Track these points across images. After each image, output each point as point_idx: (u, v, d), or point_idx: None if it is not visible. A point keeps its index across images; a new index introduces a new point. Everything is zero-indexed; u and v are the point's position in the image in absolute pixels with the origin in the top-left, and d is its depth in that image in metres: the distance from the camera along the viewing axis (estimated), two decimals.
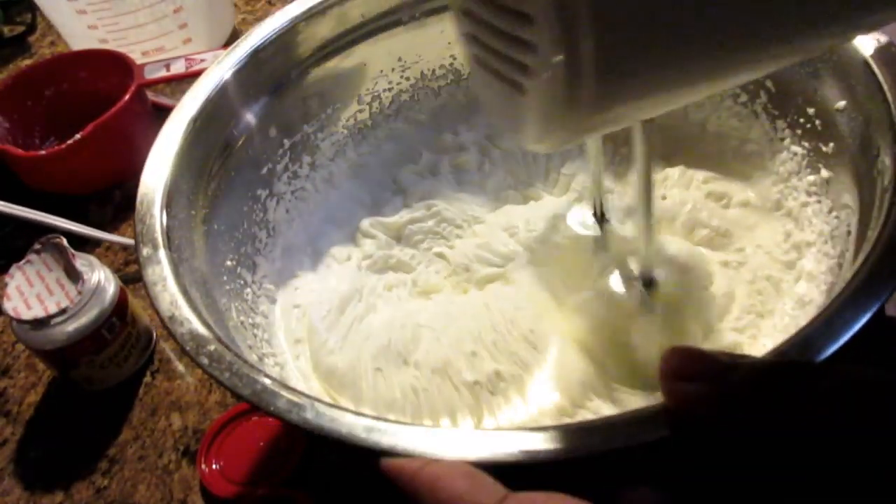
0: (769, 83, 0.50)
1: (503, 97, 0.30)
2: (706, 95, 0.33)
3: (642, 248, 0.42)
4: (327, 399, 0.42)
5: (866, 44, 0.42)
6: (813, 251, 0.46)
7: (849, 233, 0.41)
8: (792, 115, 0.49)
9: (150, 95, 0.74)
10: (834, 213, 0.44)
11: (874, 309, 0.32)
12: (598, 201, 0.48)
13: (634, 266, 0.44)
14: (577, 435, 0.30)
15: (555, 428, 0.31)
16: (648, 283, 0.43)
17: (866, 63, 0.42)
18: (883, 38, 0.42)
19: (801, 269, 0.46)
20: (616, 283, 0.44)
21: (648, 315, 0.43)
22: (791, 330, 0.43)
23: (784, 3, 0.28)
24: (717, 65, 0.29)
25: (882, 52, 0.42)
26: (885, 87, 0.40)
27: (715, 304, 0.45)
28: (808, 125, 0.47)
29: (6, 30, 0.95)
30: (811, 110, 0.47)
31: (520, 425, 0.41)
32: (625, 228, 0.47)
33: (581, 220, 0.49)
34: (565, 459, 0.30)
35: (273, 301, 0.51)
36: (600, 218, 0.48)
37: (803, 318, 0.44)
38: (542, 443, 0.30)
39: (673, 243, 0.48)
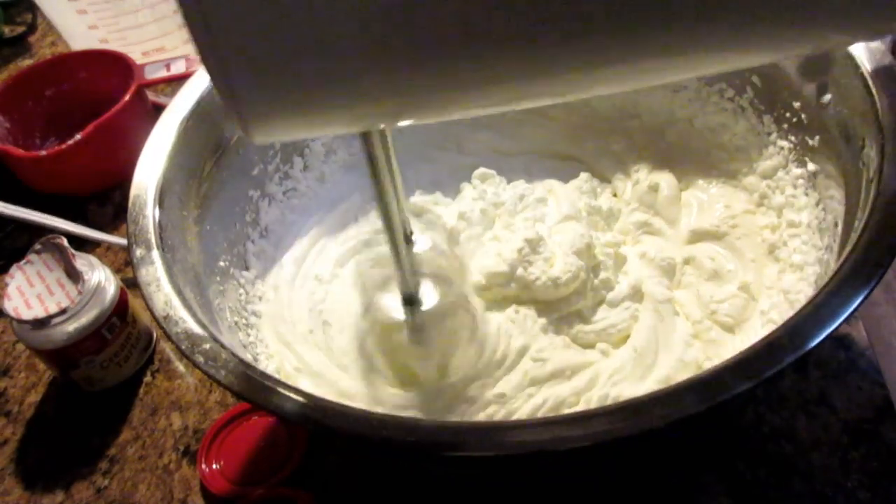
0: (755, 78, 0.50)
1: None
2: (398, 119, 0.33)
3: (396, 267, 0.41)
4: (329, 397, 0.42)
5: None
6: (799, 242, 0.46)
7: (836, 224, 0.41)
8: (778, 110, 0.49)
9: (151, 95, 0.74)
10: (821, 206, 0.45)
11: (862, 298, 0.32)
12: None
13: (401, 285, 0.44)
14: (574, 425, 0.31)
15: (555, 420, 0.32)
16: (409, 301, 0.43)
17: (850, 57, 0.42)
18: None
19: (788, 261, 0.46)
20: (385, 303, 0.46)
21: (418, 340, 0.44)
22: (777, 320, 0.44)
23: None
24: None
25: (865, 47, 0.42)
26: (869, 81, 0.40)
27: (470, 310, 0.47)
28: (794, 119, 0.48)
29: (6, 30, 0.95)
30: (797, 104, 0.47)
31: None
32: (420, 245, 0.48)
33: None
34: (565, 450, 0.30)
35: (266, 301, 0.51)
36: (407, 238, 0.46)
37: (790, 308, 0.44)
38: (547, 434, 0.31)
39: (427, 260, 0.47)
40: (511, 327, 0.47)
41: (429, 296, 0.43)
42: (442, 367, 0.45)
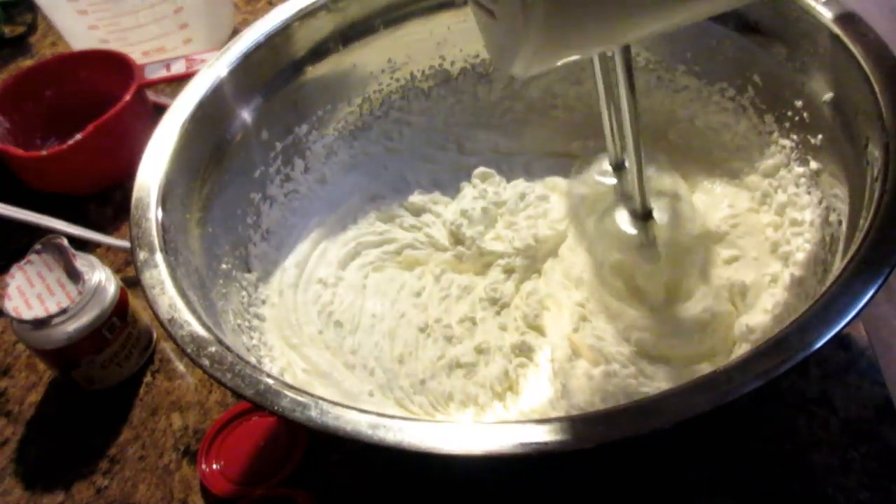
0: (756, 77, 0.50)
1: (485, 27, 0.35)
2: (665, 24, 0.36)
3: (635, 183, 0.44)
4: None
5: (852, 36, 0.43)
6: (802, 241, 0.46)
7: (839, 222, 0.41)
8: (780, 109, 0.49)
9: (151, 95, 0.74)
10: (824, 204, 0.45)
11: (870, 296, 0.32)
12: (614, 151, 0.50)
13: (635, 204, 0.46)
14: (580, 426, 0.31)
15: (557, 420, 0.31)
16: (646, 216, 0.46)
17: (852, 55, 0.42)
18: (869, 31, 0.42)
19: (793, 260, 0.47)
20: (619, 219, 0.47)
21: (651, 258, 0.46)
22: (783, 319, 0.44)
23: None
24: None
25: (867, 44, 0.42)
26: (872, 78, 0.40)
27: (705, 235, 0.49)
28: (796, 118, 0.48)
29: (7, 30, 0.95)
30: (799, 103, 0.47)
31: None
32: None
33: (600, 169, 0.52)
34: (570, 451, 0.30)
35: (270, 305, 0.51)
36: (617, 166, 0.50)
37: (795, 307, 0.44)
38: (545, 435, 0.30)
39: (664, 179, 0.51)
40: None
41: (664, 216, 0.46)
42: (671, 288, 0.47)
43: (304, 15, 0.55)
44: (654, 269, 0.47)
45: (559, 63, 0.41)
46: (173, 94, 0.50)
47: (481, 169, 0.57)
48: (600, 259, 0.49)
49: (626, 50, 0.39)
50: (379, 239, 0.56)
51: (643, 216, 0.46)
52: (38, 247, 0.53)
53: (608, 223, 0.48)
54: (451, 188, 0.59)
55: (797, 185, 0.48)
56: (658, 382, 0.44)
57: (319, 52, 0.56)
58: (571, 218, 0.53)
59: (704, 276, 0.48)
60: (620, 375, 0.44)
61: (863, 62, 0.41)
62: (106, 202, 0.70)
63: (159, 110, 0.73)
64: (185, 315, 0.38)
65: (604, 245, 0.49)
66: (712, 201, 0.53)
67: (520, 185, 0.56)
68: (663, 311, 0.46)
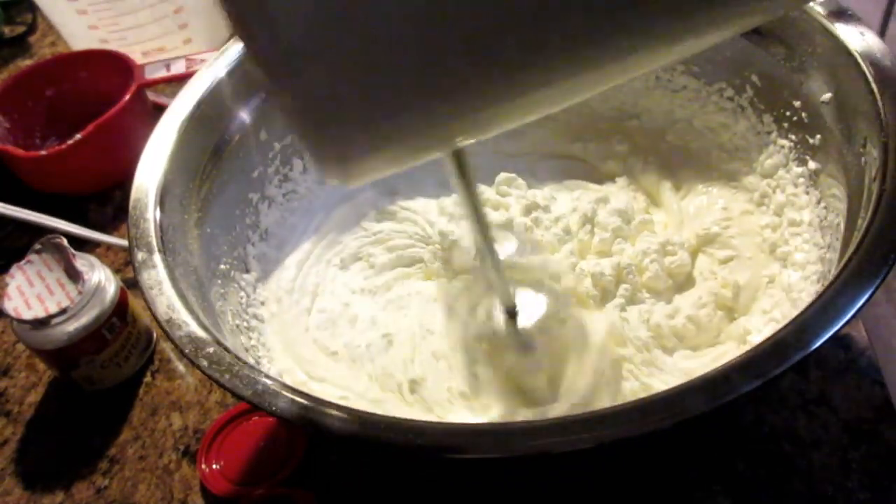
0: (755, 77, 0.50)
1: None
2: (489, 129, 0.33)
3: (495, 280, 0.41)
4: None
5: (851, 37, 0.42)
6: (801, 241, 0.46)
7: (838, 222, 0.41)
8: (778, 109, 0.49)
9: (151, 95, 0.74)
10: (822, 204, 0.45)
11: (868, 296, 0.32)
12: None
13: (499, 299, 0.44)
14: (579, 425, 0.31)
15: (557, 420, 0.32)
16: (511, 314, 0.43)
17: (851, 55, 0.42)
18: (867, 31, 0.42)
19: (790, 260, 0.47)
20: (483, 316, 0.46)
21: (525, 353, 0.44)
22: (780, 319, 0.44)
23: None
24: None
25: (865, 44, 0.42)
26: (870, 79, 0.40)
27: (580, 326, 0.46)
28: (795, 118, 0.48)
29: (7, 30, 0.95)
30: (797, 103, 0.47)
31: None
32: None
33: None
34: (570, 451, 0.30)
35: (269, 306, 0.51)
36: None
37: (792, 307, 0.44)
38: (545, 434, 0.31)
39: (515, 266, 0.48)
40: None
41: (532, 306, 0.43)
42: (553, 381, 0.44)
43: None
44: (530, 364, 0.44)
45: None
46: (173, 94, 0.50)
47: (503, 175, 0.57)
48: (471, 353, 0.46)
49: (458, 155, 0.36)
50: (378, 239, 0.56)
51: (509, 313, 0.44)
52: (37, 247, 0.53)
53: (480, 315, 0.46)
54: (450, 189, 0.58)
55: (795, 186, 0.48)
56: None
57: None
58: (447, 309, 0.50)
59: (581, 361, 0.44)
60: None
61: (861, 62, 0.41)
62: (106, 202, 0.70)
63: (159, 110, 0.73)
64: (183, 315, 0.38)
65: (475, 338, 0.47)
66: (708, 203, 0.53)
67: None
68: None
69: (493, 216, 0.52)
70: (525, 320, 0.44)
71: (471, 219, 0.38)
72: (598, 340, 0.44)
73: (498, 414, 0.43)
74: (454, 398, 0.45)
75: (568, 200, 0.55)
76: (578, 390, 0.42)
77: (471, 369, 0.45)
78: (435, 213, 0.56)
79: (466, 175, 0.36)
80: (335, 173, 0.30)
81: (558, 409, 0.42)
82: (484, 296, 0.47)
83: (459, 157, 0.36)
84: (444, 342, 0.48)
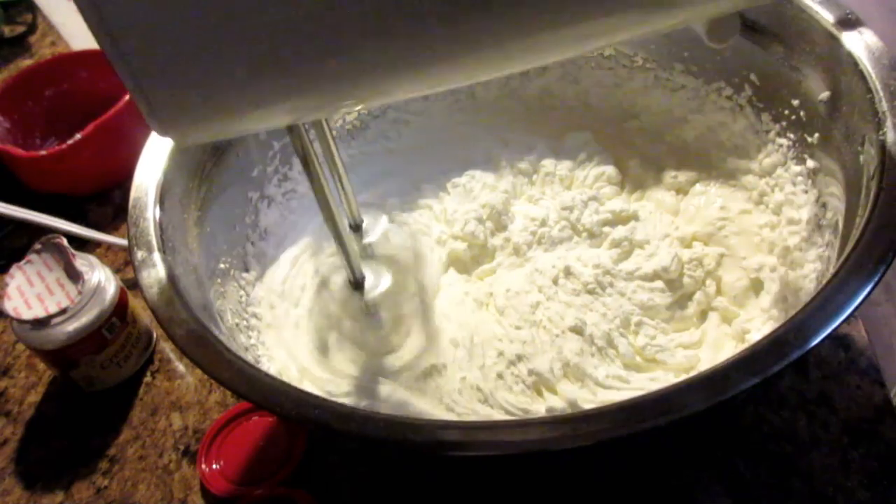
0: (753, 76, 0.50)
1: None
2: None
3: (340, 254, 0.43)
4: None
5: (849, 36, 0.42)
6: (799, 239, 0.46)
7: (836, 221, 0.41)
8: (777, 108, 0.49)
9: None
10: (821, 202, 0.45)
11: (865, 294, 0.32)
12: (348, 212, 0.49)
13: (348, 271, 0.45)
14: (578, 424, 0.31)
15: (556, 418, 0.31)
16: (358, 285, 0.45)
17: (849, 54, 0.42)
18: (865, 31, 0.42)
19: (789, 258, 0.47)
20: (335, 286, 0.50)
21: (367, 322, 0.48)
22: (778, 316, 0.44)
23: None
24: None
25: (864, 43, 0.42)
26: (868, 77, 0.40)
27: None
28: (793, 117, 0.48)
29: (6, 30, 0.95)
30: (796, 102, 0.47)
31: None
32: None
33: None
34: (569, 449, 0.30)
35: (267, 305, 0.51)
36: (355, 227, 0.50)
37: (790, 305, 0.44)
38: (545, 433, 0.31)
39: (378, 246, 0.51)
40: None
41: (379, 279, 0.45)
42: (396, 342, 0.49)
43: None
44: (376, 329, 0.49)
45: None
46: None
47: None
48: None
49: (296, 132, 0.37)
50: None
51: (356, 285, 0.45)
52: (37, 247, 0.53)
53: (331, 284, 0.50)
54: (448, 186, 0.58)
55: (794, 184, 0.48)
56: None
57: None
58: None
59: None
60: None
61: (859, 61, 0.41)
62: (106, 202, 0.70)
63: None
64: (182, 314, 0.38)
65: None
66: (706, 202, 0.53)
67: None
68: None
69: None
70: (371, 291, 0.46)
71: (315, 190, 0.39)
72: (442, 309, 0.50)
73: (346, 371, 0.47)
74: (312, 352, 0.49)
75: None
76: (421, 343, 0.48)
77: (323, 334, 0.50)
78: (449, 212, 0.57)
79: (308, 151, 0.38)
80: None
81: (400, 360, 0.47)
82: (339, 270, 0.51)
83: (300, 138, 0.38)
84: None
